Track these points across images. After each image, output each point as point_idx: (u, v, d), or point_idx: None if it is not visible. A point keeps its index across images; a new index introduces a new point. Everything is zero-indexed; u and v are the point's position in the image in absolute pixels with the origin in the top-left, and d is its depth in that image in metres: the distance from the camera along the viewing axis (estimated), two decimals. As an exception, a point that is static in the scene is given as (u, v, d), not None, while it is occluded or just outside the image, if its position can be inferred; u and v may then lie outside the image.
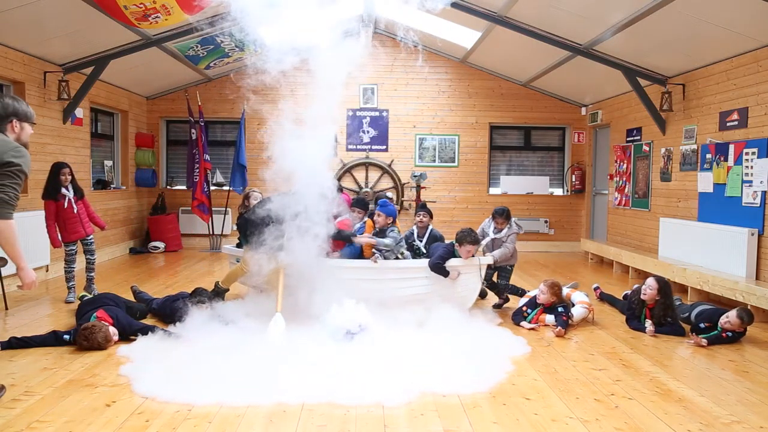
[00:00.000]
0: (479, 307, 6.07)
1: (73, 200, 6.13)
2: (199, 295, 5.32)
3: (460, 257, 5.67)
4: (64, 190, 6.08)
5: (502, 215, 6.27)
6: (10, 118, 3.38)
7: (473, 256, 5.73)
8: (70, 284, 6.28)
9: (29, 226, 6.87)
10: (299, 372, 4.00)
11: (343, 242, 5.98)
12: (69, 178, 6.12)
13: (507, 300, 6.32)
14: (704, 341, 4.96)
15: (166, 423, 3.30)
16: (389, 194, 9.94)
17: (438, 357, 4.43)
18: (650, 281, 5.41)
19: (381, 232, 5.89)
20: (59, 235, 6.12)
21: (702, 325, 5.14)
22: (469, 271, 5.72)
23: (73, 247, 6.25)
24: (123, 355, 4.44)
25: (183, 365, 4.13)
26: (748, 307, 5.78)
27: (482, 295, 6.53)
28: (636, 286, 6.29)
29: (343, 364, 4.20)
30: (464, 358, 4.41)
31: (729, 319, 5.02)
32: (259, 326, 4.97)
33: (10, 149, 3.26)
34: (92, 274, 6.43)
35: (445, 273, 5.62)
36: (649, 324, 5.32)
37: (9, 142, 3.32)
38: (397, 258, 5.83)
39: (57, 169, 6.08)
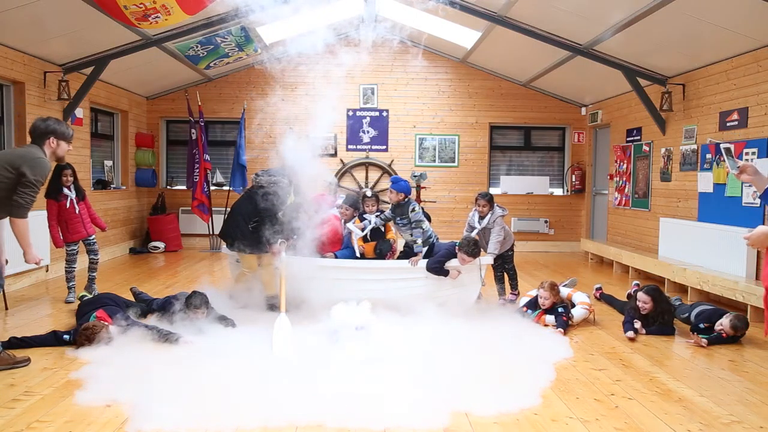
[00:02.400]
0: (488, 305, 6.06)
1: (74, 201, 6.16)
2: (196, 300, 5.18)
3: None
4: (66, 191, 6.11)
5: (484, 197, 6.25)
6: (48, 135, 4.19)
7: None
8: (71, 284, 6.29)
9: (30, 225, 6.87)
10: (298, 386, 3.76)
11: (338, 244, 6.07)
12: (71, 179, 6.15)
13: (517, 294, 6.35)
14: (704, 341, 4.96)
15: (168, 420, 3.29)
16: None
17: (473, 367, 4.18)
18: (642, 296, 5.36)
19: (397, 208, 5.90)
20: (61, 235, 6.14)
21: (701, 326, 5.13)
22: (469, 270, 5.71)
23: (75, 248, 6.27)
24: (102, 361, 4.23)
25: (170, 376, 3.92)
26: (748, 306, 5.80)
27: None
28: (630, 291, 6.28)
29: (345, 377, 3.94)
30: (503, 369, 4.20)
31: (723, 327, 5.01)
32: (260, 330, 4.94)
33: (27, 160, 4.00)
34: (94, 274, 6.44)
35: (444, 273, 5.62)
36: (638, 324, 5.26)
37: (29, 153, 4.07)
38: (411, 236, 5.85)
39: (59, 169, 6.11)
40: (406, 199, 5.90)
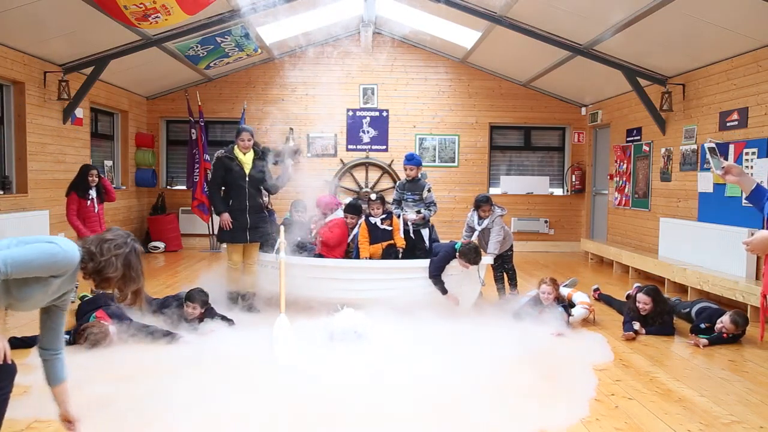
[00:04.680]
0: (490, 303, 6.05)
1: (95, 201, 6.46)
2: (194, 296, 5.15)
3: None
4: (90, 191, 6.41)
5: (487, 202, 6.22)
6: None
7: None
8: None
9: (30, 225, 6.87)
10: (299, 399, 3.57)
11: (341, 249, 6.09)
12: (96, 179, 6.47)
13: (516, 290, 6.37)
14: (703, 341, 4.95)
15: (167, 422, 3.29)
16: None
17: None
18: (642, 297, 5.34)
19: (413, 183, 6.17)
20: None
21: (702, 326, 5.13)
22: (469, 272, 5.70)
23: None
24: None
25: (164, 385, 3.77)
26: (748, 306, 5.79)
27: None
28: (630, 292, 6.29)
29: (352, 391, 3.71)
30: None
31: (723, 324, 5.00)
32: (260, 330, 4.93)
33: None
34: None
35: (443, 291, 5.60)
36: (637, 326, 5.23)
37: None
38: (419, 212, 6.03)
39: (86, 170, 6.45)
40: (419, 175, 6.19)
